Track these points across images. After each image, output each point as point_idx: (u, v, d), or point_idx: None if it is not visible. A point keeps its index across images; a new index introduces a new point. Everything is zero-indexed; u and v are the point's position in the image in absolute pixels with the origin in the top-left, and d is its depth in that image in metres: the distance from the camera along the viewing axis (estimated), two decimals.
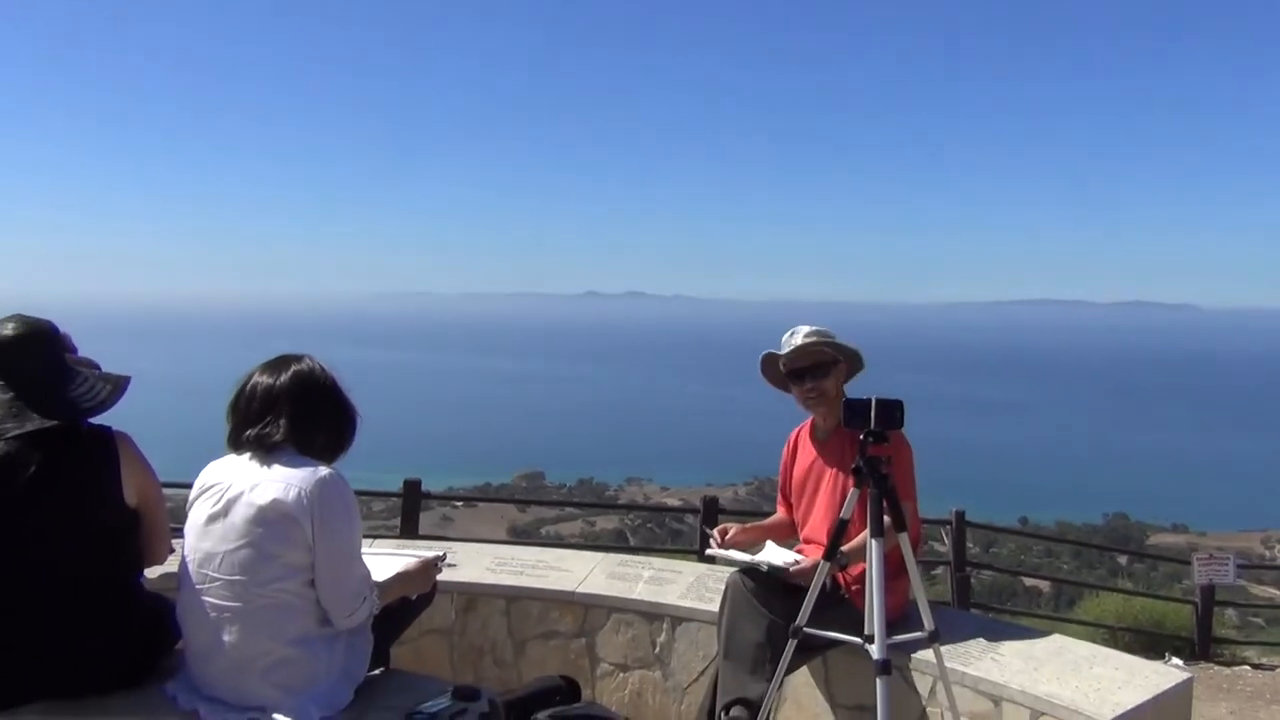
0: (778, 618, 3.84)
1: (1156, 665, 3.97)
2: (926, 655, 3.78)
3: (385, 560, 3.51)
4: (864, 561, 3.84)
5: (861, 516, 3.52)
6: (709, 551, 4.24)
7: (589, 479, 58.12)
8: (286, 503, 2.88)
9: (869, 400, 3.30)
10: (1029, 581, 26.00)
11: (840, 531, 3.45)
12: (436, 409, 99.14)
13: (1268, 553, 41.89)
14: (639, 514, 42.85)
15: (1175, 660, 9.18)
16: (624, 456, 69.08)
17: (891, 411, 3.29)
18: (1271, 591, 30.18)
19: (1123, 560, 35.16)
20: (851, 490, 3.42)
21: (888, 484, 3.27)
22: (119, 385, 3.15)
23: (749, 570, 4.01)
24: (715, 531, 4.19)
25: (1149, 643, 10.36)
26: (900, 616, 3.87)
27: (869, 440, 3.30)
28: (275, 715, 2.87)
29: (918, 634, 3.44)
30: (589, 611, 4.75)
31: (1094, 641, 4.60)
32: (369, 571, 3.14)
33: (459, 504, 40.84)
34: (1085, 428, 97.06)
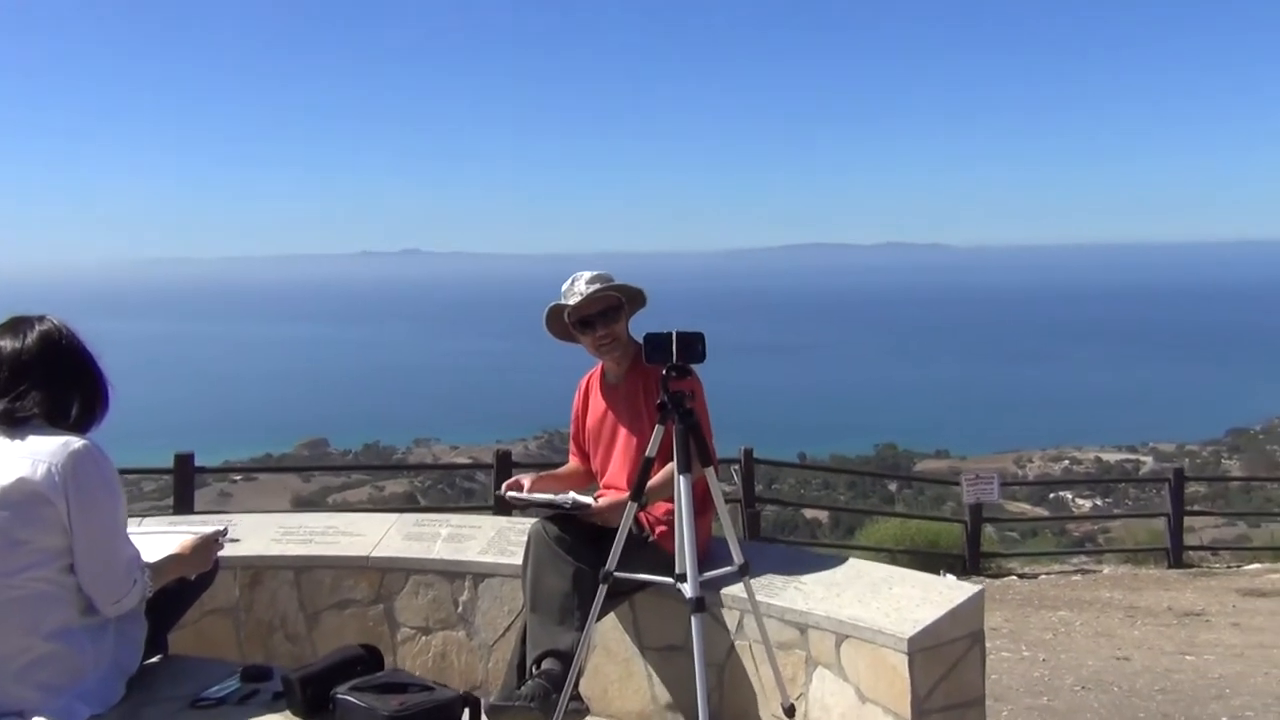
0: (584, 565, 3.77)
1: (950, 581, 4.13)
2: (733, 590, 3.80)
3: (157, 539, 3.19)
4: (666, 500, 3.82)
5: (664, 453, 3.48)
6: (509, 496, 4.09)
7: (375, 443, 56.67)
8: (35, 480, 2.56)
9: (670, 334, 3.23)
10: (809, 513, 27.28)
11: (646, 470, 3.38)
12: (204, 381, 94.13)
13: (1019, 471, 45.42)
14: (429, 475, 42.26)
15: (950, 576, 9.75)
16: (410, 418, 67.72)
17: (693, 344, 3.23)
18: (1024, 506, 32.85)
19: (893, 487, 37.52)
20: (656, 427, 3.35)
21: (693, 418, 3.22)
22: None
23: (552, 518, 3.92)
24: (507, 485, 4.07)
25: (925, 562, 10.98)
26: (706, 553, 3.86)
27: (671, 374, 3.23)
28: (36, 719, 2.56)
29: (728, 569, 3.43)
30: (385, 576, 4.55)
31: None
32: (138, 551, 2.85)
33: (237, 478, 39.08)
34: (854, 364, 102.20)
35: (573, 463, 4.39)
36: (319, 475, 41.49)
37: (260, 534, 4.75)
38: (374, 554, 4.57)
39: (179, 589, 3.17)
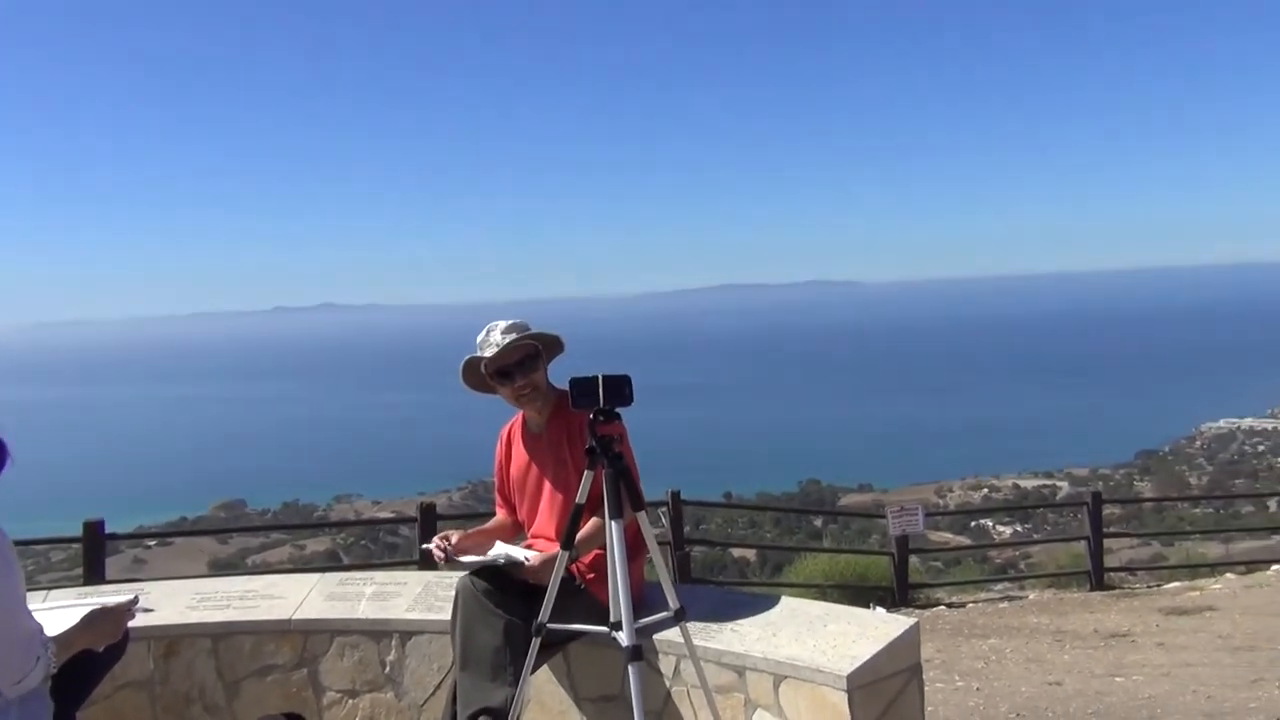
0: (515, 618, 3.69)
1: (885, 615, 4.11)
2: (668, 635, 3.74)
3: (63, 613, 3.02)
4: (598, 547, 3.75)
5: (593, 499, 3.41)
6: (440, 559, 3.97)
7: (294, 501, 55.50)
8: None
9: (596, 378, 3.18)
10: (737, 552, 27.29)
11: (576, 517, 3.32)
12: (115, 445, 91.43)
13: (941, 501, 46.08)
14: (351, 531, 41.38)
15: (879, 609, 9.79)
16: (330, 475, 66.42)
17: (620, 388, 3.18)
18: (947, 536, 33.29)
19: (818, 522, 37.79)
20: (586, 473, 3.29)
21: (622, 463, 3.17)
22: None
23: (479, 571, 3.82)
24: (436, 540, 3.95)
25: (854, 596, 11.03)
26: (640, 598, 3.80)
27: (599, 419, 3.18)
28: None
29: (663, 614, 3.37)
30: (309, 638, 4.40)
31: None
32: (40, 626, 2.69)
33: (151, 543, 37.86)
34: (776, 401, 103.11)
35: (500, 514, 4.30)
36: (237, 537, 40.37)
37: (175, 601, 4.56)
38: (296, 616, 4.42)
39: (87, 662, 3.01)
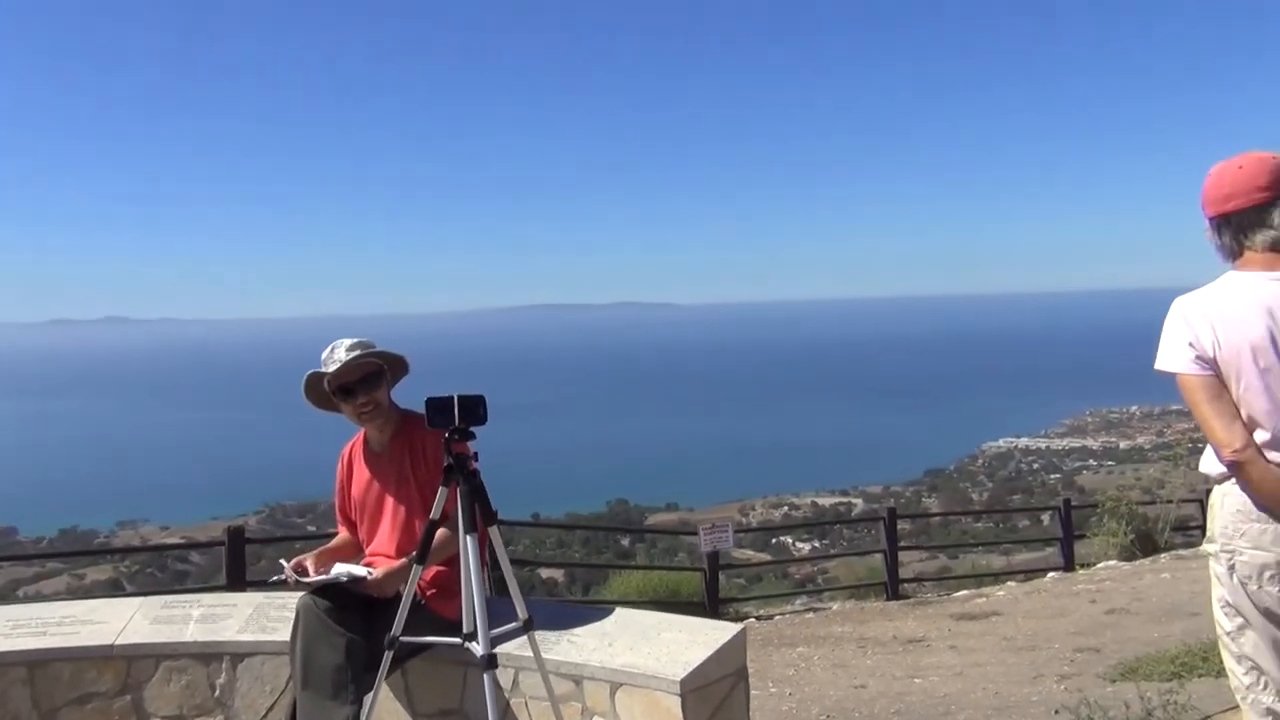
0: (356, 635, 3.72)
1: (715, 623, 4.33)
2: (506, 648, 3.83)
3: None
4: (439, 563, 3.84)
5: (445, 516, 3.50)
6: (291, 580, 3.94)
7: (73, 527, 51.97)
8: None
9: (451, 398, 3.28)
10: (545, 573, 27.38)
11: (431, 532, 3.40)
12: None
13: (744, 519, 47.43)
14: (135, 559, 39.20)
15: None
16: (113, 498, 62.71)
17: (474, 408, 3.29)
18: (750, 553, 34.29)
19: (626, 541, 38.32)
20: (441, 489, 3.37)
21: (477, 479, 3.27)
22: None
23: (319, 590, 3.83)
24: (289, 564, 3.93)
25: (667, 612, 11.28)
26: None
27: (454, 437, 3.28)
28: None
29: (513, 624, 3.47)
30: (133, 664, 4.28)
31: None
32: None
33: None
34: (585, 421, 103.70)
35: (342, 534, 4.31)
36: (7, 566, 37.41)
37: None
38: (119, 641, 4.28)
39: None
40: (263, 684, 4.23)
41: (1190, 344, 2.77)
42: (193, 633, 4.34)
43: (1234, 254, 2.87)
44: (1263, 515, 2.72)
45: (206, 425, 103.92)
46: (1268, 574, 2.73)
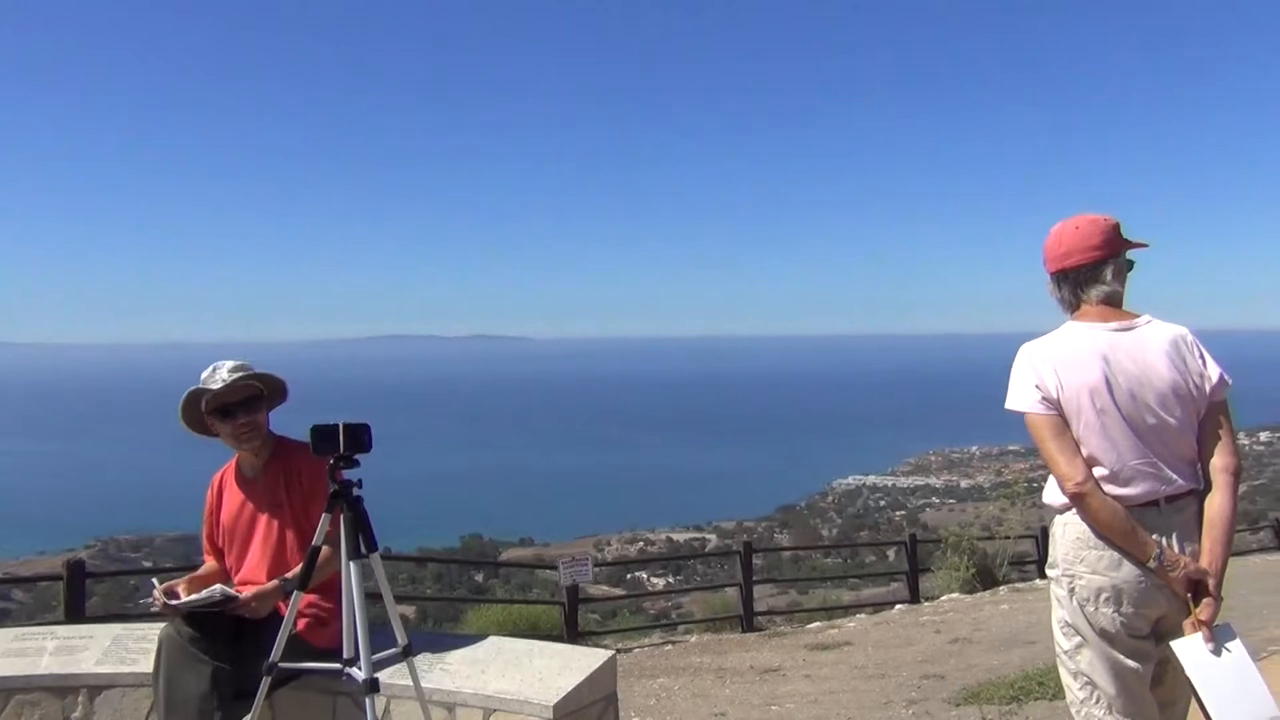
0: (222, 664, 3.67)
1: (585, 650, 4.42)
2: (380, 676, 3.83)
3: None
4: (313, 590, 3.81)
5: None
6: (163, 605, 3.83)
7: None
8: None
9: (337, 425, 3.30)
10: (398, 609, 26.93)
11: (313, 558, 3.40)
12: None
13: (599, 554, 47.42)
14: None
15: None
16: None
17: (359, 436, 3.32)
18: (605, 587, 34.35)
19: (479, 576, 37.92)
20: (324, 515, 3.38)
21: (361, 506, 3.30)
22: None
23: (186, 618, 3.76)
24: (159, 588, 3.85)
25: None
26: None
27: (339, 465, 3.30)
28: None
29: (392, 650, 3.48)
30: None
31: None
32: None
33: None
34: (437, 455, 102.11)
35: (209, 562, 4.23)
36: None
37: None
38: None
39: None
40: (122, 716, 4.12)
41: (1036, 386, 3.04)
42: (47, 664, 4.20)
43: (1072, 306, 3.18)
44: (1100, 543, 2.98)
45: (29, 456, 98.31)
46: (1104, 596, 2.98)
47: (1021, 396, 3.07)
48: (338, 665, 3.31)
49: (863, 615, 12.98)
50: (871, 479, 74.53)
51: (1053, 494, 3.15)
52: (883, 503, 66.34)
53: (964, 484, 68.91)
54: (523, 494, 77.05)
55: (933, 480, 73.23)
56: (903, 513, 59.34)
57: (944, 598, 13.49)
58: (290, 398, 4.18)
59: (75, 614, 8.92)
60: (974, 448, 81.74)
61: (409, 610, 26.23)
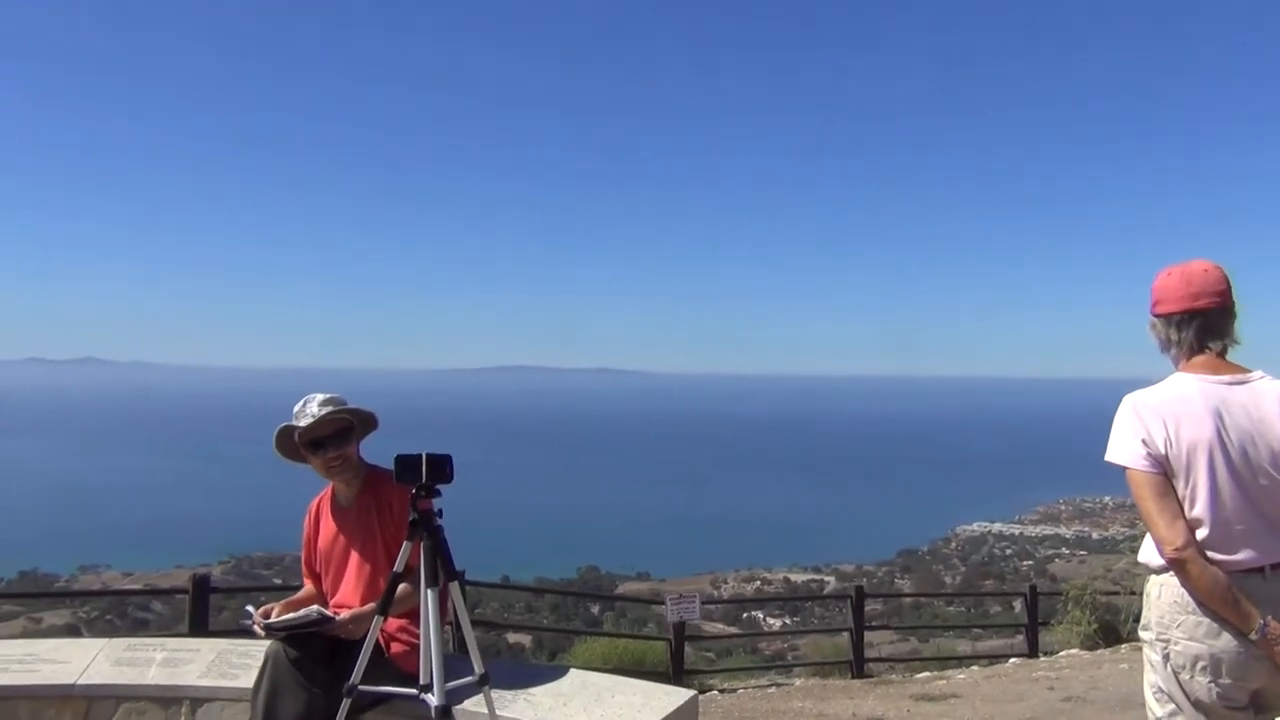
0: (319, 690, 3.76)
1: (668, 688, 4.40)
2: (461, 705, 3.89)
3: None
4: (399, 616, 3.90)
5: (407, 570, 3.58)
6: (258, 625, 3.96)
7: (33, 570, 51.18)
8: None
9: (420, 456, 3.39)
10: (513, 637, 27.15)
11: (394, 584, 3.49)
12: None
13: (715, 591, 47.18)
14: (95, 604, 38.59)
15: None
16: (74, 542, 61.72)
17: (442, 466, 3.40)
18: (720, 626, 34.10)
19: (595, 608, 38.02)
20: (405, 543, 3.46)
21: (441, 535, 3.37)
22: None
23: (291, 639, 3.88)
24: (256, 612, 3.99)
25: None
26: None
27: (420, 494, 3.38)
28: None
29: (468, 679, 3.54)
30: (93, 704, 4.32)
31: None
32: None
33: None
34: (558, 486, 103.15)
35: (308, 586, 4.37)
36: None
37: None
38: (80, 681, 4.32)
39: None
40: None
41: (1143, 440, 2.88)
42: (154, 675, 4.38)
43: (1192, 351, 2.97)
44: (1198, 609, 2.83)
45: (175, 473, 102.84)
46: (1200, 664, 2.83)
47: (1124, 450, 2.91)
48: (414, 690, 3.38)
49: (975, 667, 12.56)
50: (998, 526, 72.32)
51: (1149, 554, 3.01)
52: (1009, 551, 64.27)
53: (1095, 535, 66.29)
54: (641, 528, 77.11)
55: (1062, 530, 70.67)
56: (1030, 563, 57.44)
57: (1062, 653, 12.98)
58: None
59: (199, 627, 9.27)
60: (1107, 498, 78.53)
61: (525, 639, 26.50)
